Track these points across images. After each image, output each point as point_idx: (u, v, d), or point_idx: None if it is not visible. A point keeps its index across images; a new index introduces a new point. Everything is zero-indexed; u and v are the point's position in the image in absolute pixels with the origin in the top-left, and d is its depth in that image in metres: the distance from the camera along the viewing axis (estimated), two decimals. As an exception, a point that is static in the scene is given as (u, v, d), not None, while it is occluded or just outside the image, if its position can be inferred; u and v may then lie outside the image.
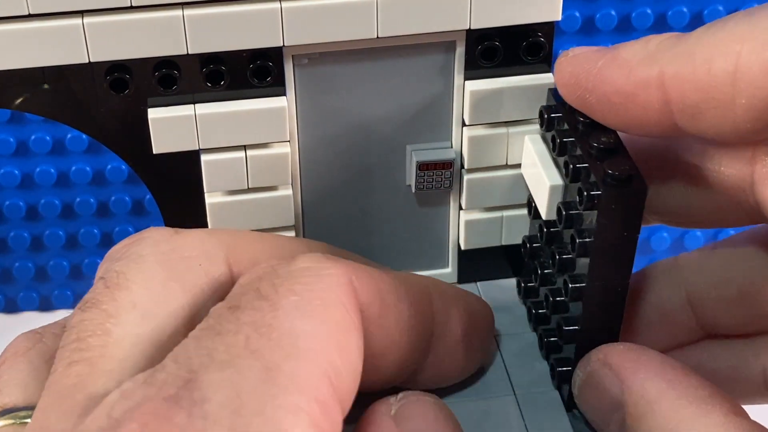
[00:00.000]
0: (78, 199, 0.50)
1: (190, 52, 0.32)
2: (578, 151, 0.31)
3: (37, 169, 0.49)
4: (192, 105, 0.33)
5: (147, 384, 0.24)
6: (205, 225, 0.35)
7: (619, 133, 0.31)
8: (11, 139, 0.48)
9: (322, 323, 0.25)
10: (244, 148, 0.34)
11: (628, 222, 0.30)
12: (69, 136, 0.47)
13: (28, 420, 0.27)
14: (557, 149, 0.32)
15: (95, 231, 0.51)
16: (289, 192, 0.35)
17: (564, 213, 0.31)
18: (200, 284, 0.28)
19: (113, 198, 0.50)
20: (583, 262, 0.31)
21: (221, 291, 0.28)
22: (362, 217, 0.37)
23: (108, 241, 0.51)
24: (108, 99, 0.33)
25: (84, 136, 0.46)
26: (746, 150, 0.30)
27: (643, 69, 0.29)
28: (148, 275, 0.28)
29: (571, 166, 0.30)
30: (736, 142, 0.30)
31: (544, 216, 0.32)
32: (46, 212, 0.50)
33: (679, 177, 0.33)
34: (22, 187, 0.49)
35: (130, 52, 0.32)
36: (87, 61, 0.32)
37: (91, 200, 0.50)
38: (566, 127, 0.31)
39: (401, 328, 0.28)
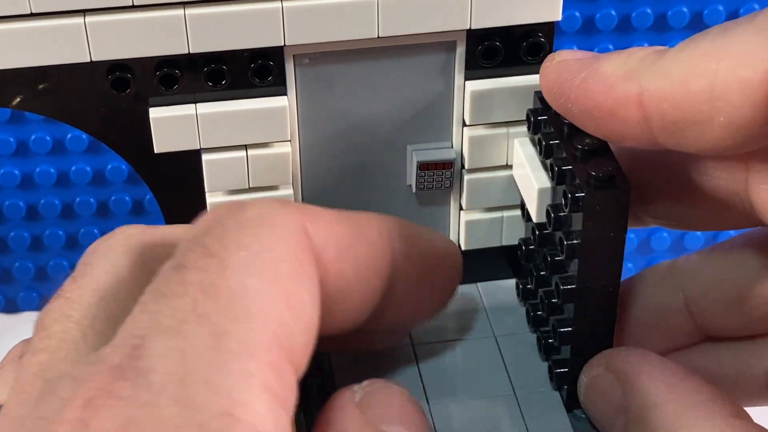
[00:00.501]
0: (78, 199, 0.50)
1: (191, 52, 0.32)
2: (563, 154, 0.31)
3: (37, 169, 0.49)
4: (193, 104, 0.33)
5: (95, 359, 0.24)
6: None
7: None
8: (11, 139, 0.48)
9: (273, 279, 0.24)
10: (245, 147, 0.34)
11: (614, 222, 0.30)
12: (69, 136, 0.47)
13: None
14: (544, 152, 0.32)
15: (95, 231, 0.51)
16: (290, 192, 0.35)
17: (552, 215, 0.31)
18: None
19: (113, 198, 0.50)
20: (572, 264, 0.31)
21: None
22: (363, 216, 0.37)
23: None
24: (109, 98, 0.33)
25: (84, 135, 0.46)
26: (738, 156, 0.30)
27: (622, 85, 0.29)
28: (113, 262, 0.28)
29: (557, 168, 0.31)
30: (716, 156, 0.30)
31: (534, 219, 0.33)
32: (46, 212, 0.50)
33: (674, 182, 0.33)
34: (22, 187, 0.49)
35: (132, 51, 0.32)
36: (89, 60, 0.32)
37: (91, 200, 0.50)
38: (552, 129, 0.32)
39: (359, 270, 0.28)
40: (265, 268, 0.25)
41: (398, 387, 0.29)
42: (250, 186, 0.35)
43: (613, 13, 0.57)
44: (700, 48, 0.28)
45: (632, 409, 0.30)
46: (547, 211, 0.32)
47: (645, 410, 0.29)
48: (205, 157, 0.34)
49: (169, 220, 0.35)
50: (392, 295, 0.30)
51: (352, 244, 0.28)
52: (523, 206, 0.36)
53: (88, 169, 0.49)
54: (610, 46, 0.58)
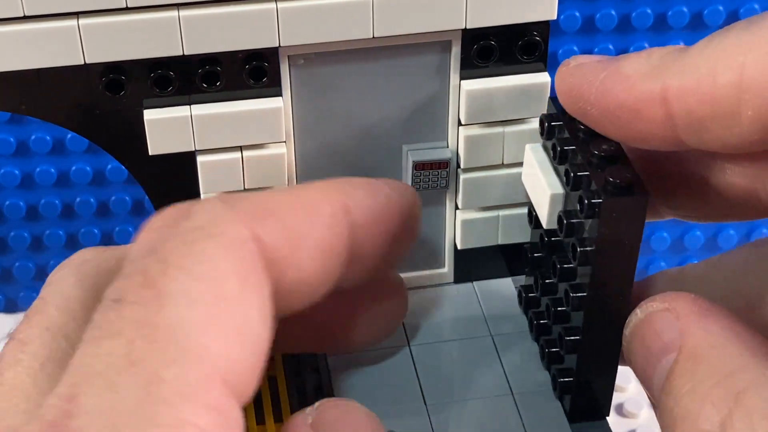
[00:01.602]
0: (78, 199, 0.50)
1: (186, 53, 0.32)
2: (579, 159, 0.30)
3: (37, 169, 0.49)
4: (188, 106, 0.33)
5: (35, 416, 0.23)
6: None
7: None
8: (11, 139, 0.48)
9: (215, 306, 0.24)
10: (240, 149, 0.34)
11: (630, 230, 0.29)
12: (69, 136, 0.47)
13: None
14: (558, 158, 0.32)
15: (95, 231, 0.51)
16: (286, 192, 0.35)
17: (565, 222, 0.31)
18: None
19: (113, 198, 0.50)
20: (584, 271, 0.31)
21: None
22: (359, 217, 0.37)
23: (108, 241, 0.51)
24: (103, 100, 0.33)
25: None
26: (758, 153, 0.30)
27: (645, 84, 0.29)
28: (65, 295, 0.27)
29: (572, 174, 0.30)
30: (742, 153, 0.30)
31: (544, 225, 0.32)
32: (46, 212, 0.50)
33: (692, 176, 0.32)
34: (22, 187, 0.49)
35: (126, 53, 0.32)
36: (83, 62, 0.32)
37: (91, 200, 0.50)
38: (567, 135, 0.31)
39: (314, 258, 0.27)
40: (206, 293, 0.24)
41: (351, 402, 0.28)
42: (246, 187, 0.35)
43: (613, 13, 0.57)
44: (726, 42, 0.27)
45: (687, 347, 0.28)
46: (560, 217, 0.31)
47: (703, 349, 0.28)
48: (200, 158, 0.34)
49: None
50: (354, 261, 0.29)
51: (306, 233, 0.27)
52: (530, 212, 0.35)
53: (88, 169, 0.49)
54: (610, 46, 0.57)
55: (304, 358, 0.35)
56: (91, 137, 0.33)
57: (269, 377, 0.35)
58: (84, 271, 0.28)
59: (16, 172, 0.49)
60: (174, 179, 0.34)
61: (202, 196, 0.34)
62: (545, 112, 0.33)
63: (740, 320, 0.29)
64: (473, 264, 0.38)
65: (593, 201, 0.29)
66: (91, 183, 0.50)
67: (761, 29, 0.27)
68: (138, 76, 0.32)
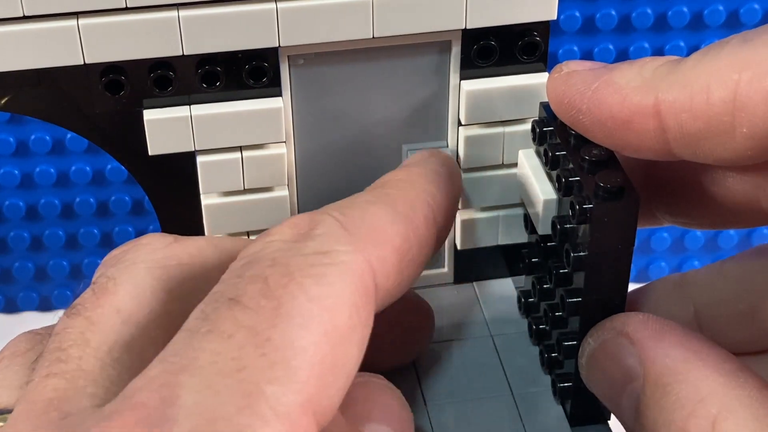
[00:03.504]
0: (78, 199, 0.50)
1: (185, 53, 0.32)
2: (570, 165, 0.30)
3: (37, 169, 0.49)
4: (188, 106, 0.33)
5: (120, 399, 0.23)
6: (201, 226, 0.35)
7: None
8: (11, 139, 0.48)
9: (325, 337, 0.24)
10: (240, 149, 0.34)
11: (622, 235, 0.29)
12: (69, 136, 0.47)
13: None
14: (550, 163, 0.32)
15: (95, 231, 0.51)
16: (286, 193, 0.35)
17: (558, 227, 0.31)
18: (195, 293, 0.27)
19: (113, 198, 0.50)
20: (578, 277, 0.31)
21: None
22: (359, 217, 0.37)
23: (108, 241, 0.51)
24: (103, 100, 0.33)
25: None
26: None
27: (638, 96, 0.28)
28: (137, 281, 0.27)
29: (563, 179, 0.30)
30: (735, 167, 0.30)
31: (539, 231, 0.32)
32: (46, 212, 0.50)
33: (690, 185, 0.32)
34: (22, 187, 0.49)
35: (126, 53, 0.32)
36: (82, 62, 0.32)
37: (91, 200, 0.50)
38: (558, 140, 0.31)
39: (413, 277, 0.28)
40: (321, 322, 0.24)
41: (380, 380, 0.28)
42: (245, 188, 0.35)
43: (613, 13, 0.57)
44: (721, 57, 0.27)
45: (650, 375, 0.28)
46: (553, 222, 0.31)
47: (667, 376, 0.28)
48: (199, 158, 0.34)
49: (164, 221, 0.35)
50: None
51: (413, 257, 0.28)
52: (526, 218, 0.35)
53: (88, 169, 0.49)
54: (610, 46, 0.57)
55: None
56: (91, 137, 0.33)
57: None
58: (156, 260, 0.28)
59: (16, 172, 0.49)
60: (174, 179, 0.34)
61: (202, 196, 0.34)
62: (537, 117, 0.33)
63: (695, 334, 0.29)
64: (473, 264, 0.38)
65: (584, 206, 0.29)
66: (91, 183, 0.49)
67: (756, 46, 0.27)
68: (138, 76, 0.32)
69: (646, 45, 0.55)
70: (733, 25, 0.58)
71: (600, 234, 0.29)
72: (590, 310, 0.31)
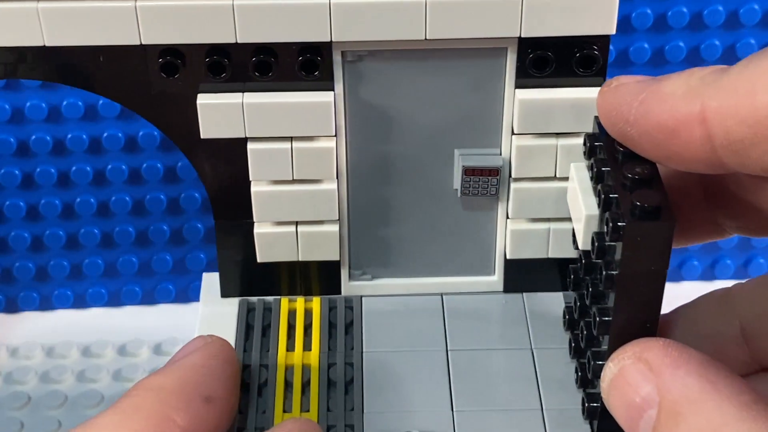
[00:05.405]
0: (78, 199, 0.50)
1: (238, 41, 0.33)
2: (611, 181, 0.30)
3: (38, 169, 0.49)
4: (240, 93, 0.34)
5: None
6: (250, 211, 0.36)
7: None
8: (12, 139, 0.48)
9: None
10: (291, 139, 0.34)
11: (655, 255, 0.29)
12: (69, 136, 0.48)
13: None
14: (595, 178, 0.31)
15: (95, 231, 0.51)
16: (334, 186, 0.35)
17: (596, 243, 0.30)
18: None
19: (114, 198, 0.50)
20: (611, 296, 0.30)
21: None
22: (408, 216, 0.37)
23: (108, 241, 0.52)
24: (159, 81, 0.34)
25: (84, 136, 0.48)
26: None
27: (685, 104, 0.28)
28: None
29: (603, 195, 0.30)
30: None
31: (580, 245, 0.32)
32: (47, 212, 0.51)
33: (749, 195, 0.31)
34: (23, 187, 0.50)
35: (180, 37, 0.33)
36: (139, 43, 0.33)
37: (92, 200, 0.50)
38: (605, 156, 0.31)
39: None
40: None
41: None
42: (294, 178, 0.35)
43: (685, 10, 0.55)
44: (765, 62, 0.27)
45: (665, 403, 0.28)
46: (592, 238, 0.31)
47: (681, 405, 0.28)
48: (250, 145, 0.34)
49: (216, 203, 0.36)
50: None
51: None
52: (574, 233, 0.35)
53: (88, 169, 0.49)
54: (681, 44, 0.55)
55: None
56: (147, 116, 0.34)
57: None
58: None
59: (17, 172, 0.49)
60: (225, 163, 0.35)
61: (251, 182, 0.35)
62: (581, 120, 0.32)
63: (714, 363, 0.28)
64: (524, 275, 0.38)
65: (618, 224, 0.28)
66: (92, 183, 0.50)
67: None
68: (193, 61, 0.33)
69: (646, 45, 0.53)
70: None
71: (632, 253, 0.29)
72: (620, 330, 0.30)
